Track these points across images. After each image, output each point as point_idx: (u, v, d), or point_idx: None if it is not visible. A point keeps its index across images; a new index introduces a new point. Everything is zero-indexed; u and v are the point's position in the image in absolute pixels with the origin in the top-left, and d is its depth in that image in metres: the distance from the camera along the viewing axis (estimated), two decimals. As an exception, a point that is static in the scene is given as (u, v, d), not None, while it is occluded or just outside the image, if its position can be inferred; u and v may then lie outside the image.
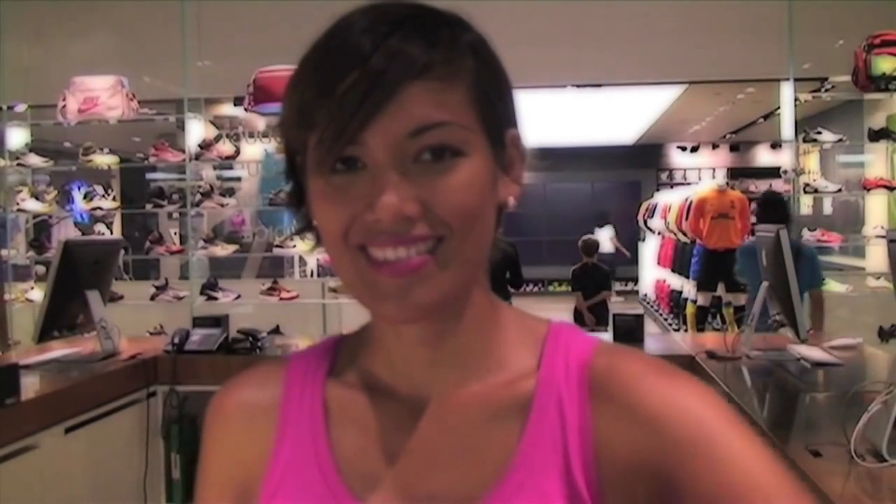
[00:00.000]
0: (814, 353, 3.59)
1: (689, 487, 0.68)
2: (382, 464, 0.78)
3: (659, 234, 12.06)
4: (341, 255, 0.72)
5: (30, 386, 3.12)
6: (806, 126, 6.03)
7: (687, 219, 9.38)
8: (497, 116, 0.75)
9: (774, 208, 5.48)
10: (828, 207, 11.20)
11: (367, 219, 0.69)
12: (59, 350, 3.84)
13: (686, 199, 9.75)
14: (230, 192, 6.30)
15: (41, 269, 6.43)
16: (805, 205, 8.72)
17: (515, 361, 0.79)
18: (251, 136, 8.42)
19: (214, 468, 0.86)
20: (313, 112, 0.69)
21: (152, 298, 5.89)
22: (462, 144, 0.70)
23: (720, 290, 8.78)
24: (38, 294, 5.71)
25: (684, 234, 9.86)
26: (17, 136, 6.33)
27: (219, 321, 3.97)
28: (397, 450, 0.78)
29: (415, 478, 0.76)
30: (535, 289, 16.17)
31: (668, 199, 11.44)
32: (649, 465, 0.70)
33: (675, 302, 10.81)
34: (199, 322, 4.04)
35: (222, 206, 6.05)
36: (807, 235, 6.04)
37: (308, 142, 0.71)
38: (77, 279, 3.69)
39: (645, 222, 12.97)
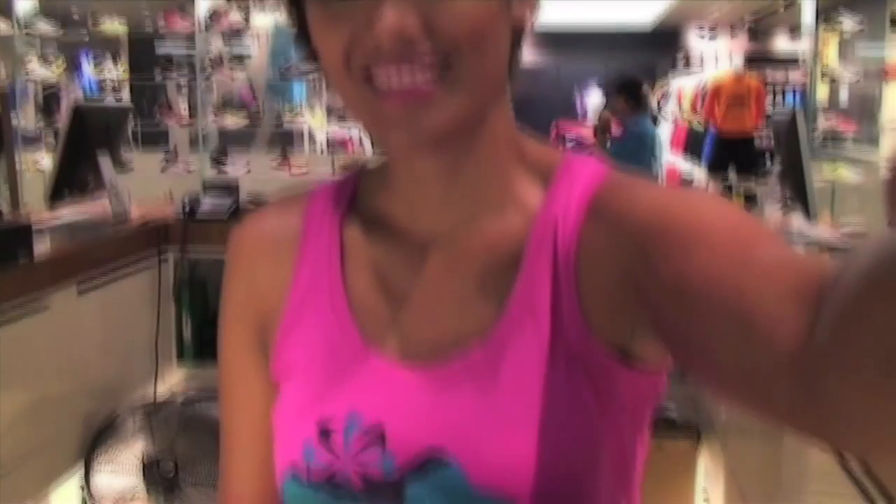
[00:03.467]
0: (824, 235, 3.59)
1: (661, 269, 0.64)
2: (392, 306, 0.78)
3: (673, 119, 11.93)
4: (346, 85, 0.69)
5: (42, 246, 3.14)
6: (827, 13, 5.90)
7: (703, 104, 9.28)
8: None
9: (631, 93, 5.58)
10: (844, 98, 11.01)
11: (367, 43, 0.65)
12: (70, 212, 3.85)
13: (702, 85, 9.62)
14: (240, 61, 6.21)
15: (52, 141, 6.42)
16: (821, 94, 8.59)
17: (525, 199, 0.77)
18: (261, 3, 8.25)
19: (235, 301, 0.86)
20: None
21: (163, 170, 5.89)
22: None
23: (731, 176, 8.73)
24: (48, 163, 5.71)
25: (699, 121, 9.76)
26: (25, 3, 6.22)
27: (229, 188, 3.95)
28: (407, 292, 0.78)
29: (422, 321, 0.77)
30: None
31: (683, 84, 11.27)
32: (630, 272, 0.68)
33: (686, 186, 10.76)
34: (209, 186, 4.01)
35: (232, 77, 5.98)
36: (822, 122, 5.98)
37: None
38: (88, 142, 3.67)
39: (659, 107, 12.80)
